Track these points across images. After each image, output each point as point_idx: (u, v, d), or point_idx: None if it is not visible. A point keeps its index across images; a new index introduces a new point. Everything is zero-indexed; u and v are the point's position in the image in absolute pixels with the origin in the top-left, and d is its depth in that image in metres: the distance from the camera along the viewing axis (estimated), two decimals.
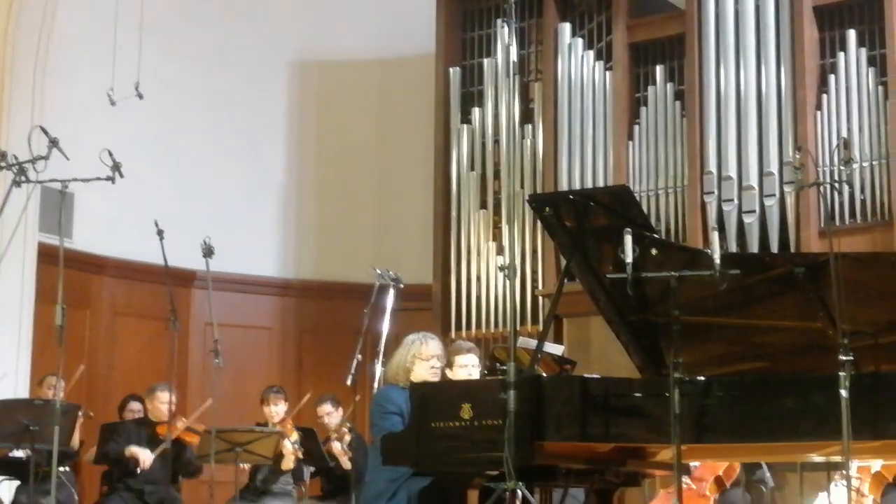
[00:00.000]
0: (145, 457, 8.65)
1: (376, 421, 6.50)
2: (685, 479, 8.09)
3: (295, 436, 8.82)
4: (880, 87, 9.20)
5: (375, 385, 8.17)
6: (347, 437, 8.86)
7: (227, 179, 11.62)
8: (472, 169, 11.23)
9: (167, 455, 8.44)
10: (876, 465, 7.85)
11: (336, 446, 8.95)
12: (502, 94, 11.11)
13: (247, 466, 8.95)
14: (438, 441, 5.85)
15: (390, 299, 8.41)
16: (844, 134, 9.18)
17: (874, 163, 9.12)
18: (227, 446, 8.43)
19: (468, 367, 6.83)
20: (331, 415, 9.36)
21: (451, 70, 11.37)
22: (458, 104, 11.37)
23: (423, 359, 6.59)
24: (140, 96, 9.73)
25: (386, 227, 11.99)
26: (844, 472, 5.38)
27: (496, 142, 11.19)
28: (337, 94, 12.22)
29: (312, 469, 9.34)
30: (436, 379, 6.63)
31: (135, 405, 9.40)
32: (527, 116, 11.05)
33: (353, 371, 8.24)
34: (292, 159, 12.05)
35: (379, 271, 8.57)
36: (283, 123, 12.08)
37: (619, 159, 10.20)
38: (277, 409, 9.11)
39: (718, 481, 8.53)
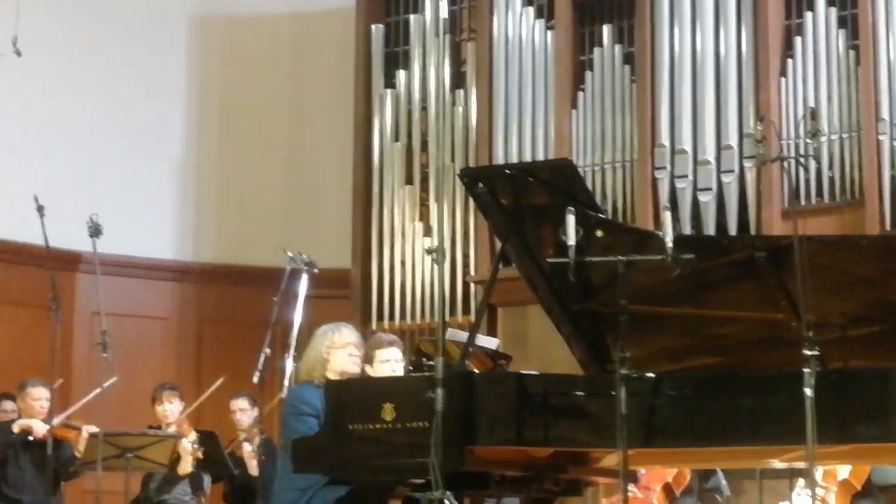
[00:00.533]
0: (37, 426, 8.55)
1: (289, 423, 6.49)
2: (631, 487, 8.15)
3: (193, 435, 8.77)
4: (851, 52, 9.31)
5: (286, 383, 8.15)
6: (258, 439, 8.83)
7: (117, 150, 11.49)
8: (397, 139, 11.21)
9: (48, 461, 8.35)
10: (843, 471, 7.96)
11: (246, 448, 8.91)
12: (431, 55, 11.10)
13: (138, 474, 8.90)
14: (356, 445, 5.85)
15: (303, 286, 8.39)
16: (811, 103, 9.27)
17: (844, 136, 9.23)
18: (117, 451, 8.36)
19: (391, 363, 6.82)
20: (244, 412, 9.33)
21: (373, 27, 11.35)
22: (380, 66, 11.34)
23: (338, 347, 6.61)
24: (18, 53, 9.60)
25: (298, 205, 11.94)
26: (809, 479, 5.44)
27: (424, 109, 11.18)
28: (243, 54, 12.14)
29: (212, 477, 9.28)
30: (356, 368, 6.64)
31: (8, 404, 9.31)
32: (458, 81, 11.05)
33: (260, 367, 8.22)
34: (192, 127, 11.96)
35: (290, 254, 8.54)
36: (181, 87, 11.97)
37: (562, 129, 10.23)
38: (171, 408, 9.05)
39: (667, 489, 8.59)
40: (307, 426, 6.35)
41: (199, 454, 8.75)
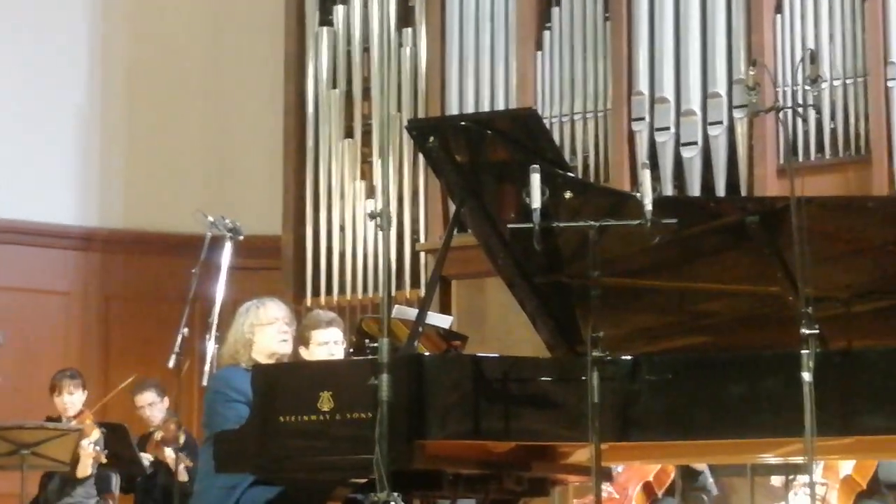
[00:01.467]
0: None
1: (217, 411, 6.49)
2: (606, 486, 8.22)
3: (96, 434, 8.75)
4: None
5: (207, 367, 8.15)
6: (182, 438, 8.78)
7: (8, 100, 11.41)
8: (335, 86, 11.19)
9: None
10: (846, 467, 8.04)
11: (169, 454, 8.86)
12: None
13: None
14: (289, 440, 5.86)
15: (226, 255, 8.40)
16: (811, 44, 9.30)
17: (848, 82, 9.27)
18: (11, 448, 8.36)
19: (329, 345, 6.83)
20: (154, 406, 9.32)
21: None
22: (315, 0, 11.31)
23: (264, 324, 6.60)
24: None
25: (220, 162, 11.91)
26: (807, 476, 5.49)
27: (366, 50, 11.17)
28: None
29: (123, 477, 9.28)
30: (287, 348, 6.64)
31: None
32: (406, 17, 11.05)
33: (177, 348, 8.22)
34: (96, 74, 11.88)
35: (211, 219, 8.54)
36: (83, 27, 11.89)
37: (525, 75, 10.24)
38: (73, 400, 9.03)
39: (648, 488, 8.67)
40: (236, 413, 6.35)
41: (102, 458, 8.73)
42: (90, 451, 8.69)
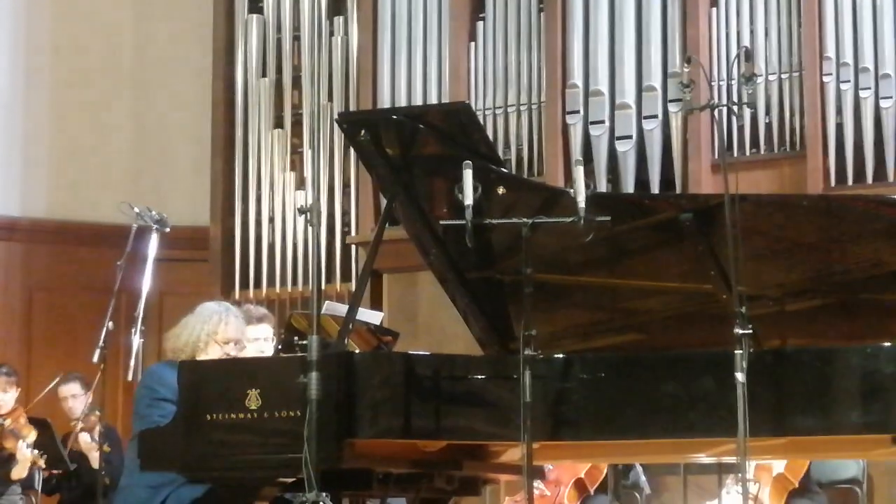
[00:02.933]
0: None
1: (142, 410, 6.45)
2: (538, 484, 8.24)
3: (33, 436, 8.71)
4: None
5: (132, 362, 8.12)
6: (98, 428, 8.78)
7: None
8: (264, 75, 11.17)
9: None
10: (779, 465, 8.11)
11: (84, 438, 8.86)
12: None
13: None
14: (215, 438, 5.84)
15: (152, 247, 8.37)
16: (746, 39, 9.37)
17: (783, 76, 9.33)
18: None
19: (259, 342, 6.84)
20: (77, 398, 9.28)
21: None
22: None
23: (217, 341, 6.55)
24: None
25: (147, 151, 11.85)
26: (739, 475, 5.54)
27: (296, 38, 11.16)
28: None
29: (46, 473, 9.24)
30: None
31: None
32: (337, 5, 11.04)
33: (102, 342, 8.18)
34: (18, 56, 11.79)
35: (137, 210, 8.51)
36: (6, 11, 11.79)
37: (458, 66, 10.25)
38: (5, 398, 9.01)
39: (579, 485, 8.70)
40: (162, 413, 6.32)
41: (42, 461, 8.69)
42: (28, 455, 8.65)
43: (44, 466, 8.75)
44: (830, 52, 9.10)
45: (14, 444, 8.64)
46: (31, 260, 11.64)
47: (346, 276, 10.63)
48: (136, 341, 8.12)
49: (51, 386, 9.29)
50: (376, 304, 9.74)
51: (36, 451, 8.65)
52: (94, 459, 8.74)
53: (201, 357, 6.51)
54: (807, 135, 9.20)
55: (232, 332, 6.59)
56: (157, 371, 6.62)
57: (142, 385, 6.66)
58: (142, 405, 6.51)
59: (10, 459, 8.69)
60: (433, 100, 10.18)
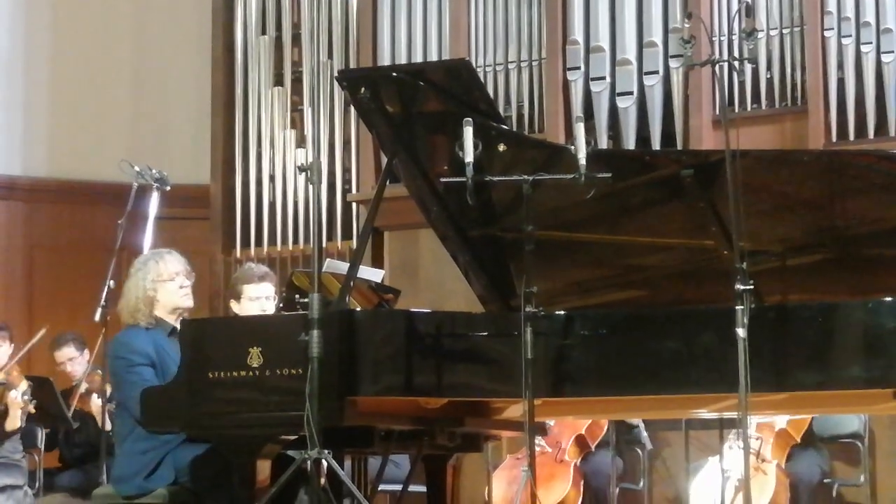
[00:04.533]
0: None
1: (121, 378, 6.45)
2: (539, 440, 8.26)
3: (24, 385, 8.71)
4: None
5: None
6: (104, 386, 8.76)
7: None
8: (264, 32, 11.14)
9: None
10: (781, 420, 8.13)
11: (96, 402, 8.84)
12: None
13: None
14: (217, 396, 5.87)
15: (153, 205, 8.38)
16: None
17: (784, 31, 9.30)
18: None
19: (261, 300, 6.83)
20: (74, 360, 9.27)
21: None
22: None
23: (164, 280, 6.53)
24: None
25: (146, 110, 11.83)
26: (741, 431, 5.55)
27: None
28: None
29: (48, 431, 9.26)
30: (190, 302, 6.57)
31: None
32: None
33: (103, 301, 8.19)
34: (18, 17, 11.76)
35: (137, 168, 8.51)
36: None
37: (458, 22, 10.21)
38: (0, 352, 9.00)
39: (581, 442, 8.72)
40: (142, 377, 6.32)
41: (31, 408, 8.70)
42: (19, 401, 8.66)
43: (33, 411, 8.73)
44: (832, 6, 9.06)
45: (6, 395, 8.64)
46: (32, 219, 11.64)
47: (347, 234, 10.63)
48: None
49: (38, 337, 9.22)
50: (377, 262, 9.74)
51: (26, 398, 8.64)
52: (106, 421, 8.68)
53: (159, 307, 6.50)
54: (808, 90, 9.17)
55: (172, 265, 6.56)
56: (123, 339, 6.58)
57: (113, 356, 6.60)
58: (119, 376, 6.50)
59: (4, 413, 8.70)
60: (433, 57, 10.15)
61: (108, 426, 8.52)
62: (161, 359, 6.33)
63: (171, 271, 6.56)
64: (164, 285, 6.53)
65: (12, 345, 9.11)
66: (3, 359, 9.01)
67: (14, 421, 8.76)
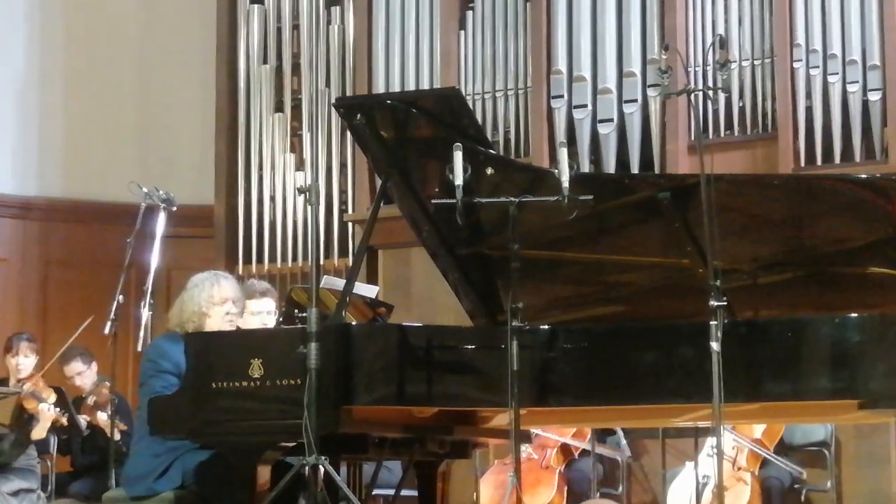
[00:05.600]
0: None
1: (147, 381, 6.43)
2: (525, 447, 8.25)
3: (53, 396, 8.70)
4: None
5: (142, 333, 8.11)
6: (114, 401, 8.72)
7: None
8: (265, 62, 11.13)
9: None
10: (756, 430, 8.12)
11: (102, 418, 8.80)
12: None
13: None
14: (220, 405, 5.85)
15: (160, 224, 8.36)
16: (721, 27, 9.34)
17: (756, 62, 9.31)
18: None
19: (262, 315, 6.83)
20: (83, 374, 9.23)
21: None
22: None
23: (217, 303, 6.53)
24: None
25: (154, 134, 11.81)
26: (715, 439, 5.54)
27: (295, 27, 11.12)
28: None
29: (60, 438, 9.23)
30: (231, 327, 6.58)
31: None
32: None
33: (112, 315, 8.18)
34: (34, 45, 11.75)
35: (145, 189, 8.50)
36: (20, 4, 11.75)
37: (449, 53, 10.22)
38: (26, 363, 8.97)
39: (564, 450, 8.71)
40: (164, 384, 6.30)
41: (64, 420, 8.68)
42: (51, 413, 8.64)
43: (65, 424, 8.73)
44: (800, 39, 9.08)
45: (35, 405, 8.62)
46: (46, 237, 11.62)
47: (343, 252, 10.61)
48: (145, 314, 8.11)
49: (54, 359, 9.19)
50: (372, 279, 9.73)
51: (58, 410, 8.64)
52: (116, 434, 8.64)
53: (207, 323, 6.49)
54: (778, 118, 9.18)
55: (227, 291, 6.55)
56: (160, 345, 6.59)
57: (146, 358, 6.63)
58: (146, 376, 6.49)
59: (30, 420, 8.67)
60: (425, 85, 10.15)
61: (118, 436, 8.54)
62: None
63: (224, 296, 6.54)
64: (216, 308, 6.52)
65: (38, 357, 9.08)
66: (29, 369, 8.97)
67: (41, 431, 8.73)
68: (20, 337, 9.10)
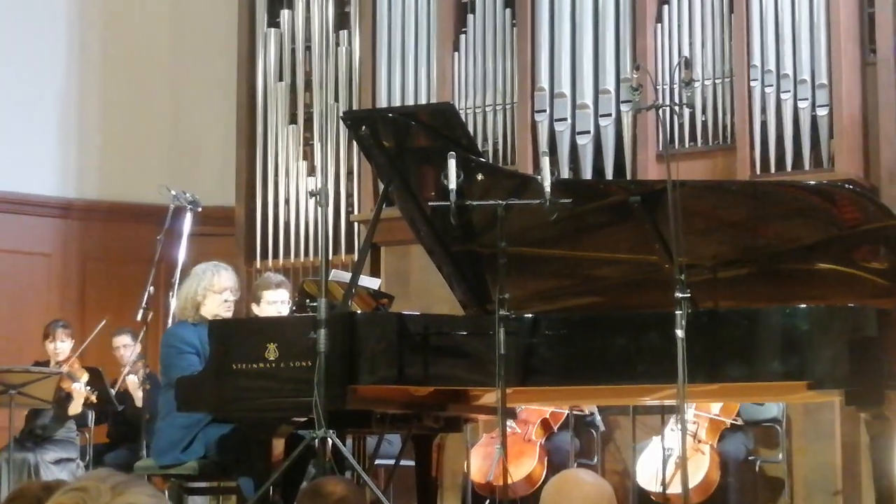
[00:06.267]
0: None
1: (172, 362, 6.45)
2: (510, 423, 8.25)
3: (85, 377, 8.72)
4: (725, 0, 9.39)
5: (170, 321, 8.12)
6: (142, 372, 8.78)
7: None
8: (281, 79, 11.12)
9: None
10: (714, 408, 8.12)
11: (132, 380, 8.85)
12: None
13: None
14: (240, 384, 5.85)
15: (187, 224, 8.37)
16: (686, 49, 9.34)
17: (717, 81, 9.31)
18: (1, 388, 8.28)
19: (277, 304, 6.83)
20: (127, 347, 9.26)
21: None
22: (264, 5, 11.23)
23: (215, 291, 6.54)
24: None
25: (182, 143, 11.80)
26: (679, 416, 5.55)
27: (308, 49, 11.09)
28: None
29: (97, 413, 9.23)
30: (228, 314, 6.60)
31: None
32: (342, 21, 10.98)
33: (144, 304, 8.19)
34: (73, 61, 11.73)
35: (173, 192, 8.49)
36: (62, 19, 11.72)
37: (444, 72, 10.22)
38: (63, 347, 8.98)
39: (545, 425, 8.72)
40: (189, 363, 6.33)
41: (94, 398, 8.71)
42: (83, 391, 8.66)
43: (95, 401, 8.75)
44: (756, 61, 9.08)
45: (70, 384, 8.65)
46: (85, 235, 11.60)
47: (349, 249, 10.59)
48: (173, 303, 8.11)
49: (97, 330, 9.20)
50: (375, 272, 9.71)
51: (88, 388, 8.67)
52: (138, 399, 8.72)
53: (204, 309, 6.50)
54: (736, 131, 9.17)
55: (225, 281, 6.57)
56: (176, 331, 6.61)
57: (165, 344, 6.64)
58: (170, 360, 6.50)
59: (67, 398, 8.69)
60: (423, 101, 10.14)
61: (139, 402, 8.58)
62: (204, 349, 6.32)
63: (222, 286, 6.56)
64: (213, 296, 6.53)
65: (73, 341, 9.10)
66: (66, 352, 9.00)
67: (76, 407, 8.77)
68: (56, 324, 9.12)
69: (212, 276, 6.57)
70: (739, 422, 8.24)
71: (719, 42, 9.35)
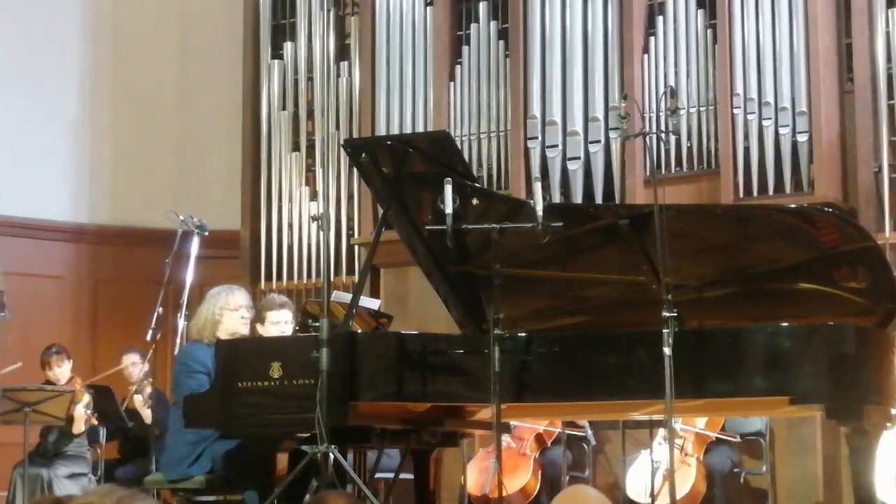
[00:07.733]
0: None
1: (181, 380, 6.45)
2: (505, 437, 8.24)
3: (86, 399, 8.70)
4: (709, 31, 9.41)
5: (178, 340, 8.12)
6: (148, 390, 8.79)
7: (11, 112, 11.25)
8: (284, 108, 11.13)
9: None
10: (700, 422, 8.11)
11: (137, 399, 8.87)
12: (316, 28, 11.03)
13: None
14: (245, 401, 5.85)
15: (194, 247, 8.36)
16: (672, 78, 9.36)
17: (701, 109, 9.33)
18: (16, 406, 8.29)
19: (281, 324, 6.82)
20: (135, 365, 9.27)
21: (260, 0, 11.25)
22: (268, 37, 11.25)
23: (231, 309, 6.57)
24: None
25: (189, 169, 11.82)
26: (667, 430, 5.54)
27: (310, 79, 11.10)
28: (135, 20, 11.93)
29: (108, 430, 9.22)
30: (246, 330, 6.61)
31: None
32: (342, 53, 11.00)
33: (153, 325, 8.18)
34: (85, 91, 11.75)
35: (181, 217, 8.50)
36: (75, 50, 11.75)
37: (440, 101, 10.23)
38: (62, 371, 9.01)
39: (539, 439, 8.70)
40: (197, 383, 6.33)
41: (94, 420, 8.71)
42: (83, 413, 8.67)
43: (95, 423, 8.76)
44: (739, 89, 9.10)
45: (72, 407, 8.63)
46: (97, 258, 11.60)
47: (350, 271, 10.58)
48: (181, 323, 8.13)
49: (112, 370, 9.24)
50: (375, 293, 9.71)
51: (88, 411, 8.68)
52: (147, 416, 8.74)
53: (221, 329, 6.51)
54: (720, 156, 9.18)
55: (239, 299, 6.61)
56: (189, 350, 6.62)
57: (178, 362, 6.67)
58: (180, 378, 6.50)
59: (69, 418, 8.69)
60: (420, 128, 10.15)
61: (147, 419, 8.57)
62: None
63: (237, 304, 6.59)
64: (229, 313, 6.55)
65: (71, 360, 9.09)
66: (66, 374, 9.01)
67: (78, 427, 8.78)
68: (49, 352, 9.13)
69: (227, 295, 6.60)
70: (737, 438, 8.21)
71: (703, 71, 9.37)
